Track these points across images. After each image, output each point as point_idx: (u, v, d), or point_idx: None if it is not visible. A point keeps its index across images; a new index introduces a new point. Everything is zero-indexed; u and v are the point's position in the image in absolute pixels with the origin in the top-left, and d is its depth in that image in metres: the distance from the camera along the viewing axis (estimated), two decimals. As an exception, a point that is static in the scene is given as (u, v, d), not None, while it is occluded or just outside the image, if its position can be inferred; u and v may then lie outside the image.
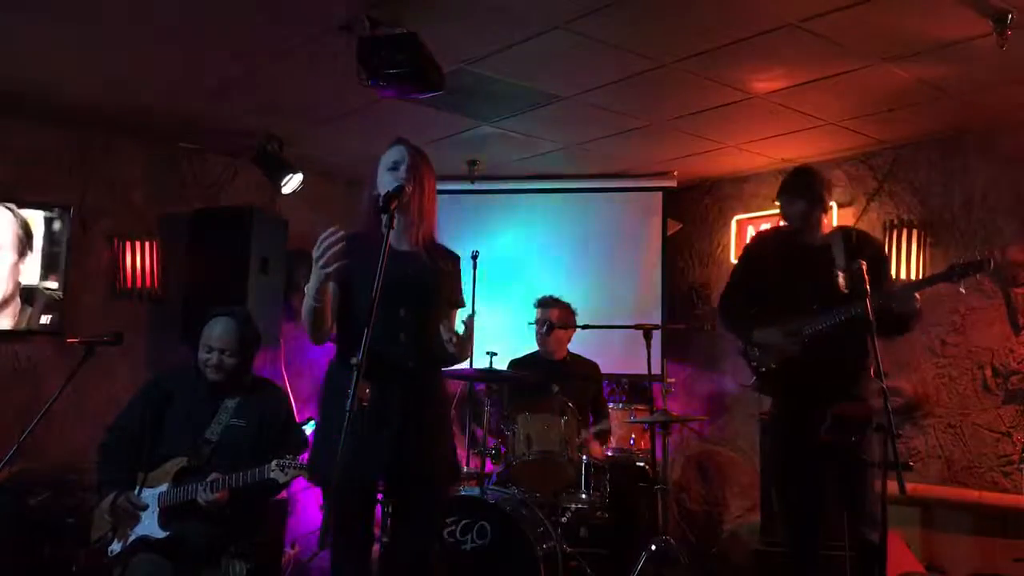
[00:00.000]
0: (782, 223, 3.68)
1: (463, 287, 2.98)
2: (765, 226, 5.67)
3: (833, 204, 3.57)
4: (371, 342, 2.40)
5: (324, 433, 2.77)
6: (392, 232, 2.77)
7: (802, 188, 3.47)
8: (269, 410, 3.33)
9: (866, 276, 3.10)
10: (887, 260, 3.50)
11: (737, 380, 3.68)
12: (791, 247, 3.48)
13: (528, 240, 5.97)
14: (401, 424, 2.68)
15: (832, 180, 3.63)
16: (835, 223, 5.18)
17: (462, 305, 2.95)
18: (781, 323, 3.41)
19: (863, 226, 4.84)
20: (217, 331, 3.29)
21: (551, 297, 4.96)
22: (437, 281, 2.80)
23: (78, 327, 4.78)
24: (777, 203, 3.62)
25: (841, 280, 3.32)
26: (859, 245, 3.43)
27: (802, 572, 3.45)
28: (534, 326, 4.93)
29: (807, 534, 3.41)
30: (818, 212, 3.46)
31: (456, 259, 2.94)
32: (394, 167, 2.76)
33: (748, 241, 3.94)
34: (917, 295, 3.24)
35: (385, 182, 2.74)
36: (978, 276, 3.13)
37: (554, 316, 4.85)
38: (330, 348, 4.98)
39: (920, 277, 4.66)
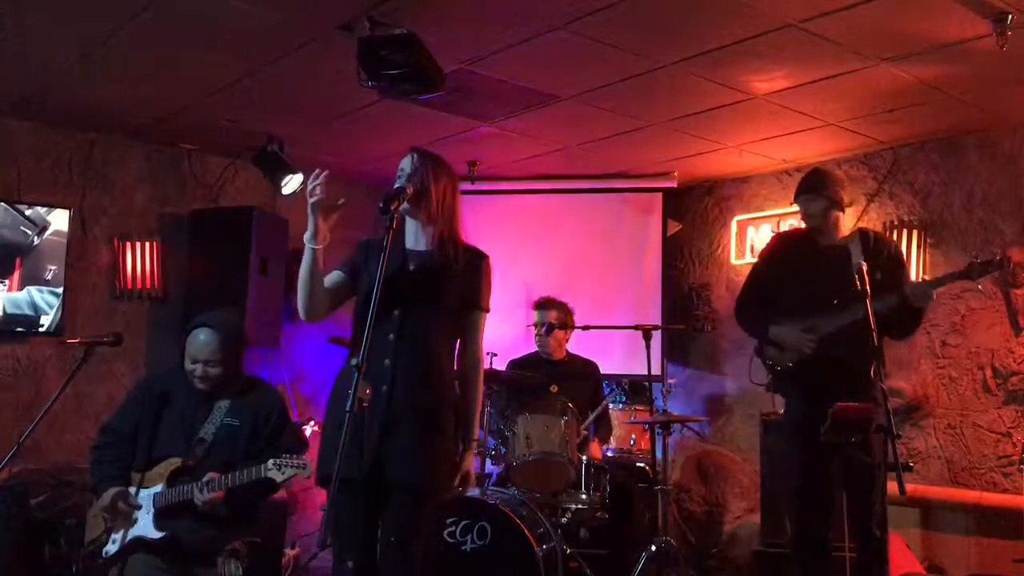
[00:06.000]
0: (798, 224, 3.73)
1: (485, 288, 2.84)
2: (766, 226, 5.69)
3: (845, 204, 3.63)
4: (368, 341, 2.46)
5: (325, 433, 2.77)
6: (410, 234, 2.81)
7: (821, 187, 3.52)
8: (263, 409, 3.33)
9: (867, 277, 3.14)
10: (904, 261, 3.56)
11: (751, 379, 3.70)
12: (809, 247, 3.52)
13: (528, 240, 5.97)
14: (381, 426, 2.61)
15: (846, 181, 3.67)
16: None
17: (481, 308, 2.83)
18: (798, 321, 3.46)
19: (862, 226, 4.84)
20: (198, 343, 3.26)
21: (549, 298, 4.96)
22: (442, 280, 2.74)
23: (78, 327, 4.79)
24: (795, 203, 3.66)
25: (858, 279, 3.35)
26: (876, 246, 3.50)
27: (809, 570, 3.47)
28: (534, 327, 4.93)
29: (817, 533, 3.43)
30: (836, 212, 3.52)
31: (478, 258, 2.84)
32: (400, 175, 2.78)
33: (768, 241, 4.01)
34: (935, 292, 3.28)
35: None
36: (996, 275, 3.18)
37: (552, 317, 4.86)
38: (329, 347, 4.94)
39: (922, 277, 4.66)
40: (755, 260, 4.14)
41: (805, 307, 3.43)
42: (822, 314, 3.36)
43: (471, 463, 2.85)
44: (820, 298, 3.36)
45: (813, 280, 3.28)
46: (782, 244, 3.80)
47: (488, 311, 2.87)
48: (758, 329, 3.63)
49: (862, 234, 3.55)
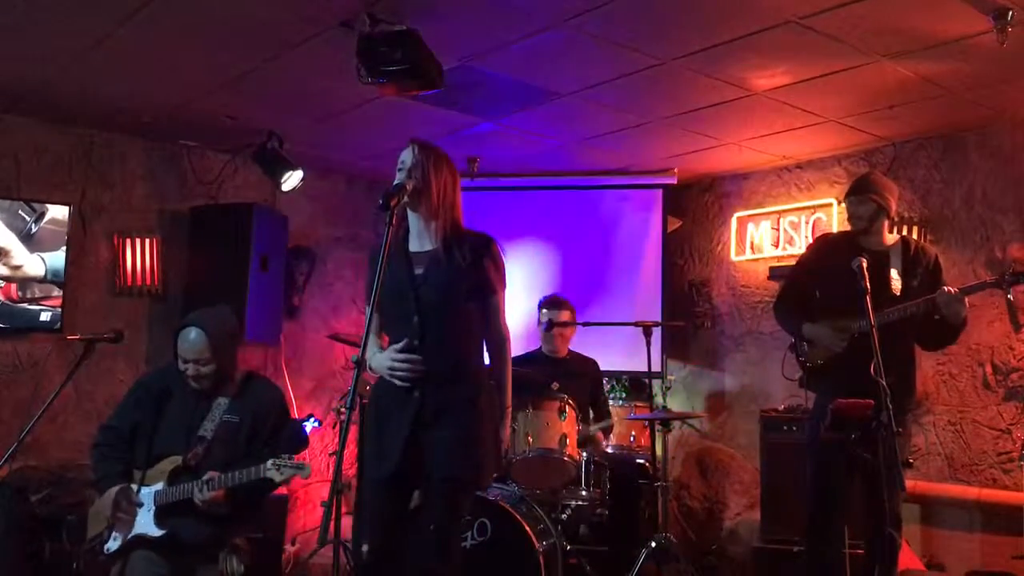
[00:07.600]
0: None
1: (497, 270, 2.85)
2: (766, 223, 5.69)
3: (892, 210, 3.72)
4: (391, 347, 2.67)
5: (363, 435, 2.98)
6: (412, 233, 2.84)
7: (872, 191, 3.57)
8: (263, 406, 3.33)
9: (866, 274, 3.16)
10: (942, 274, 3.60)
11: (784, 374, 3.81)
12: (851, 248, 3.54)
13: (528, 237, 5.97)
14: (416, 426, 2.73)
15: (898, 190, 3.75)
16: (836, 221, 5.23)
17: (492, 292, 2.84)
18: (832, 320, 3.53)
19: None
20: (186, 343, 3.26)
21: (561, 298, 4.95)
22: (452, 279, 2.77)
23: (78, 324, 4.78)
24: (844, 202, 3.75)
25: (895, 284, 3.47)
26: (917, 255, 3.58)
27: (819, 562, 3.50)
28: (545, 325, 4.91)
29: (834, 530, 3.47)
30: (883, 217, 3.59)
31: (484, 244, 2.84)
32: (400, 168, 2.80)
33: (813, 240, 4.07)
34: (966, 301, 3.35)
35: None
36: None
37: (565, 317, 4.86)
38: (328, 344, 4.96)
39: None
40: (800, 254, 4.25)
41: (840, 307, 3.48)
42: (855, 315, 3.38)
43: (506, 433, 2.91)
44: (855, 300, 3.38)
45: (850, 281, 3.29)
46: (825, 243, 3.88)
47: (504, 287, 2.88)
48: (792, 325, 3.73)
49: (904, 242, 3.64)
